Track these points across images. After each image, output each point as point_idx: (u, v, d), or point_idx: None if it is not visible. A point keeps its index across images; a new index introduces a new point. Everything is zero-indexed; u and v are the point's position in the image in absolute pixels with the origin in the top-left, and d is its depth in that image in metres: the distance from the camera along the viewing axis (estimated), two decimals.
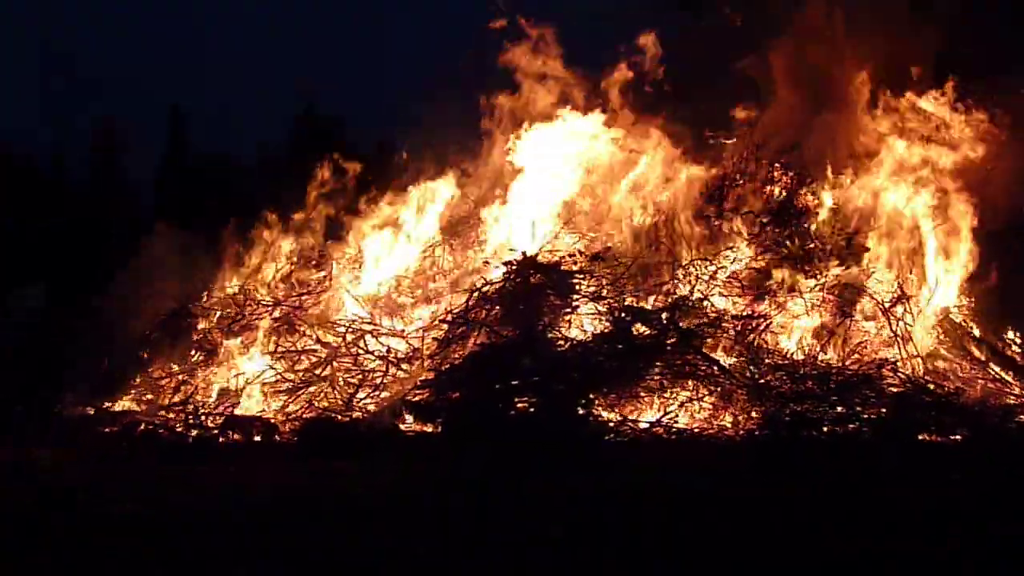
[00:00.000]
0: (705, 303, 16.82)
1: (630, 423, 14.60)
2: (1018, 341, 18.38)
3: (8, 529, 9.13)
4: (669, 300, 16.84)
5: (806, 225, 18.20)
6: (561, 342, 16.14)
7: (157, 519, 9.25)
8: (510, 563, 7.71)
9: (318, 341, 17.01)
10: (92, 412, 16.13)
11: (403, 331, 17.18)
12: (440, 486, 11.27)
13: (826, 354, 16.52)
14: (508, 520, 9.48)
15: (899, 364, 16.22)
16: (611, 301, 16.80)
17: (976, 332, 18.09)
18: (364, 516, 9.73)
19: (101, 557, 8.08)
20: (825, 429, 14.38)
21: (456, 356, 16.14)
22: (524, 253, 17.56)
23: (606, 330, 16.30)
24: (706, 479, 10.34)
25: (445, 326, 16.81)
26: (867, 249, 17.87)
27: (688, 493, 9.74)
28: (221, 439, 14.76)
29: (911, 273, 17.98)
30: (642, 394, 15.12)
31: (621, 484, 10.92)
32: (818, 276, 17.46)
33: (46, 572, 7.85)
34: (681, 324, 16.22)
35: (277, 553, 8.01)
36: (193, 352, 17.34)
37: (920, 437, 14.46)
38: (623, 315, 16.39)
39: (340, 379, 16.08)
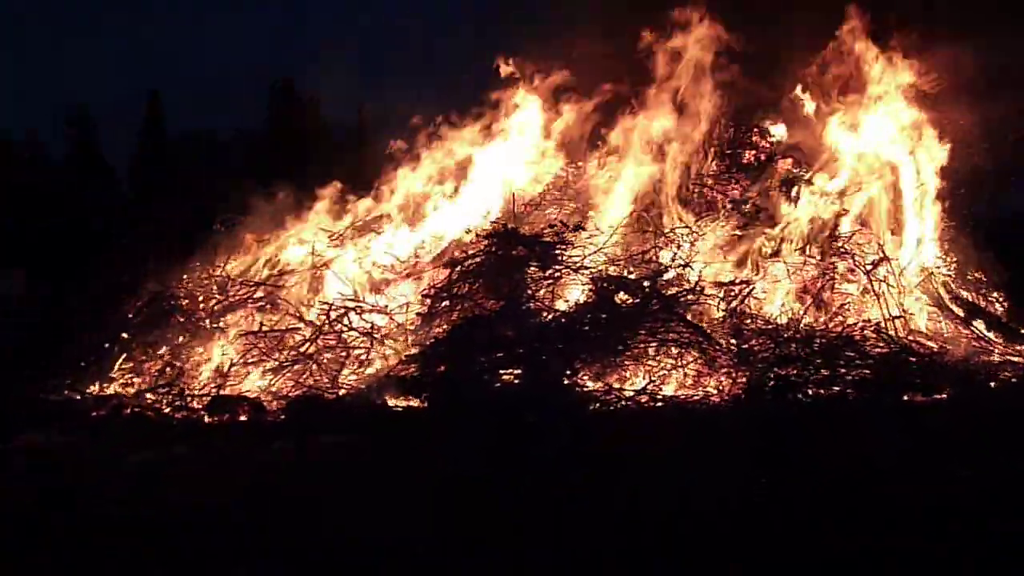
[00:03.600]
0: (687, 270, 16.83)
1: (616, 392, 14.63)
2: (1001, 299, 18.51)
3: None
4: (652, 268, 16.84)
5: (787, 189, 18.22)
6: (544, 313, 16.17)
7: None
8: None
9: (301, 319, 16.98)
10: (78, 397, 16.09)
11: (386, 307, 17.16)
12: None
13: (809, 317, 16.57)
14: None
15: (882, 325, 16.29)
16: (593, 271, 16.81)
17: (959, 291, 18.18)
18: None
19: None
20: (810, 392, 14.46)
21: (440, 330, 16.15)
22: (505, 225, 17.59)
23: (589, 300, 16.33)
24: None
25: (428, 301, 16.80)
26: (846, 212, 17.94)
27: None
28: (208, 420, 14.74)
29: (892, 234, 18.08)
30: (627, 363, 15.16)
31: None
32: (798, 240, 17.56)
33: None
34: (664, 292, 16.26)
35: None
36: (177, 334, 17.27)
37: (904, 397, 14.54)
38: (606, 284, 16.41)
39: (325, 357, 16.06)
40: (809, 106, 18.82)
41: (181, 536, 8.46)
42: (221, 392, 15.56)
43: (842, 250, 17.54)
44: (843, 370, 14.92)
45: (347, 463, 11.46)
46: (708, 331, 15.68)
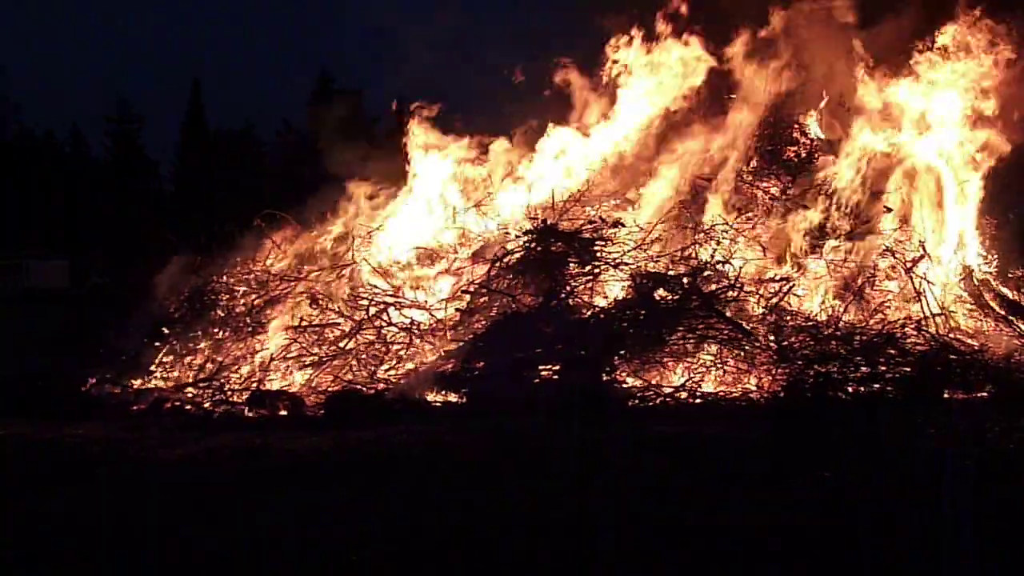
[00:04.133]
0: (727, 267, 16.77)
1: (654, 388, 14.63)
2: None
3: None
4: (691, 265, 16.80)
5: (827, 187, 18.11)
6: (583, 309, 16.17)
7: None
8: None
9: (341, 315, 17.04)
10: (119, 390, 16.22)
11: (426, 303, 17.20)
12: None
13: (849, 315, 16.47)
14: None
15: (923, 323, 16.18)
16: (633, 267, 16.79)
17: (1000, 289, 18.03)
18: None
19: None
20: (850, 389, 14.41)
21: (479, 326, 16.18)
22: (544, 221, 17.58)
23: (628, 296, 16.32)
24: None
25: (468, 297, 16.84)
26: (889, 210, 17.81)
27: None
28: (248, 414, 14.84)
29: (933, 231, 17.93)
30: (666, 360, 15.16)
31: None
32: (840, 238, 17.47)
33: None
34: (703, 289, 16.22)
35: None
36: (218, 328, 17.37)
37: (945, 395, 14.46)
38: (645, 281, 16.40)
39: (364, 352, 16.12)
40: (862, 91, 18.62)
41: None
42: (261, 387, 15.65)
43: (883, 247, 17.43)
44: (884, 368, 14.86)
45: (376, 461, 11.48)
46: (748, 328, 15.64)
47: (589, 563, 7.55)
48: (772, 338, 15.50)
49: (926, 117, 18.24)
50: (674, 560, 7.46)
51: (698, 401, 14.45)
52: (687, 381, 14.82)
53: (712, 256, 16.98)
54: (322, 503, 9.41)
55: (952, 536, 7.74)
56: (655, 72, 19.34)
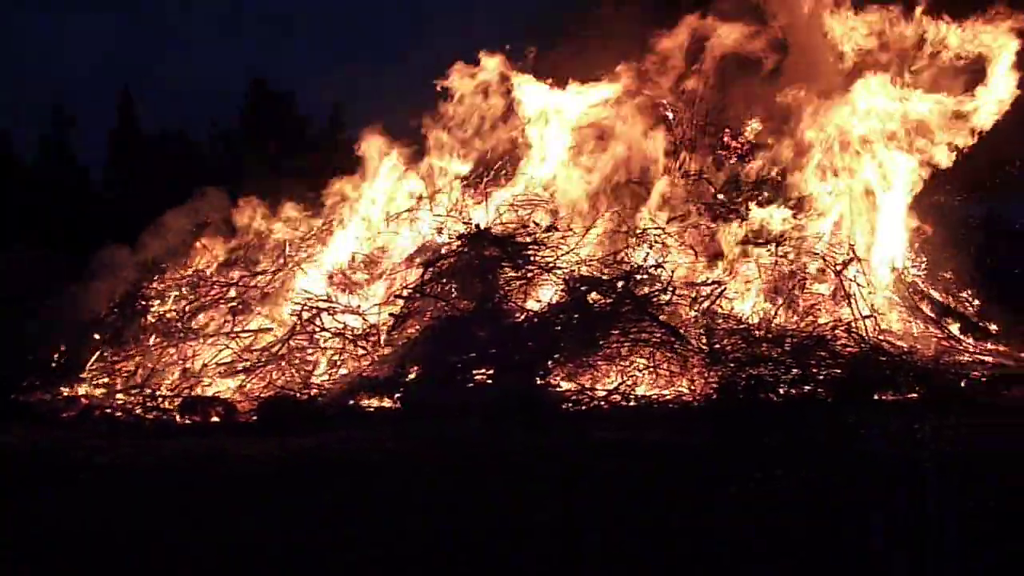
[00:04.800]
0: (659, 271, 16.85)
1: (588, 392, 14.65)
2: (971, 299, 18.59)
3: None
4: (625, 269, 16.87)
5: (756, 191, 18.26)
6: (517, 313, 16.18)
7: None
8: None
9: (273, 320, 16.94)
10: (48, 397, 15.99)
11: (359, 307, 17.14)
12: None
13: (780, 317, 16.60)
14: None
15: (853, 325, 16.33)
16: (566, 271, 16.83)
17: (929, 291, 18.25)
18: None
19: None
20: (782, 391, 14.49)
21: (413, 331, 16.14)
22: (478, 226, 17.59)
23: (562, 300, 16.34)
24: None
25: (401, 302, 16.79)
26: (820, 215, 17.97)
27: None
28: (180, 420, 14.68)
29: (863, 235, 18.10)
30: (600, 363, 15.18)
31: None
32: (769, 240, 17.60)
33: None
34: (636, 292, 16.29)
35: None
36: (149, 334, 17.20)
37: (875, 397, 14.59)
38: (578, 285, 16.44)
39: (297, 357, 16.02)
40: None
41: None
42: (193, 393, 15.50)
43: (813, 250, 17.59)
44: (815, 370, 14.98)
45: (327, 468, 11.35)
46: (680, 331, 15.70)
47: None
48: (704, 341, 15.59)
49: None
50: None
51: (632, 404, 14.47)
52: (621, 384, 14.85)
53: (645, 259, 17.08)
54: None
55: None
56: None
